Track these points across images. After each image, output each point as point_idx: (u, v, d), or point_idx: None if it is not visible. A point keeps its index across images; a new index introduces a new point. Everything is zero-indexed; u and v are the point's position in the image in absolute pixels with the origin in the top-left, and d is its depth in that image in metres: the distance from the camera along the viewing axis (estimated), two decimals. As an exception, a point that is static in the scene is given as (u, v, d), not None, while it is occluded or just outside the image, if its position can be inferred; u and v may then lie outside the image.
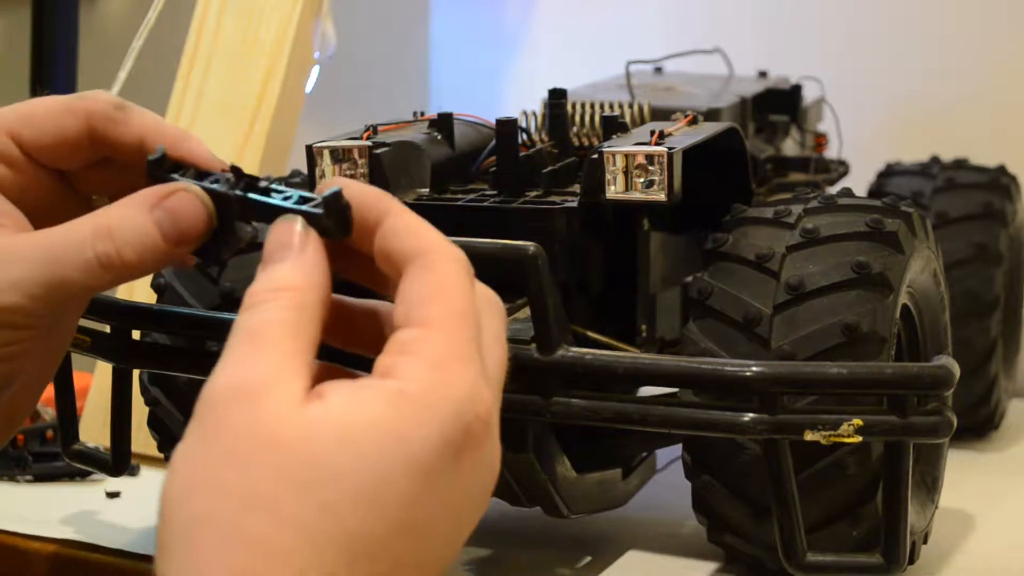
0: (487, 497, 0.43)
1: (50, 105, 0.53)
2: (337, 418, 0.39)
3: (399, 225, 0.45)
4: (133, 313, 0.74)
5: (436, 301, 0.43)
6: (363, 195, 0.46)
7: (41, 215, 0.53)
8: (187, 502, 0.39)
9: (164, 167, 0.50)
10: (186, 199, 0.48)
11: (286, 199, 0.47)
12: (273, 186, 0.48)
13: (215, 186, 0.49)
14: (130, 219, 0.48)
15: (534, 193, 0.81)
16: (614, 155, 0.74)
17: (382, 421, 0.39)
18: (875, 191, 1.14)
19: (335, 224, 0.45)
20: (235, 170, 0.49)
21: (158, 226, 0.48)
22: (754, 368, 0.66)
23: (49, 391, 0.69)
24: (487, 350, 0.44)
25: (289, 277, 0.43)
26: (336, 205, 0.45)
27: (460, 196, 0.81)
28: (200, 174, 0.49)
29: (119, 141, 0.52)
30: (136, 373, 0.79)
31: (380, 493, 0.39)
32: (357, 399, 0.40)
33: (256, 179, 0.49)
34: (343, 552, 0.38)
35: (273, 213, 0.46)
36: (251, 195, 0.48)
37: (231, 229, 0.49)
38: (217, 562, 0.37)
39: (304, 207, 0.46)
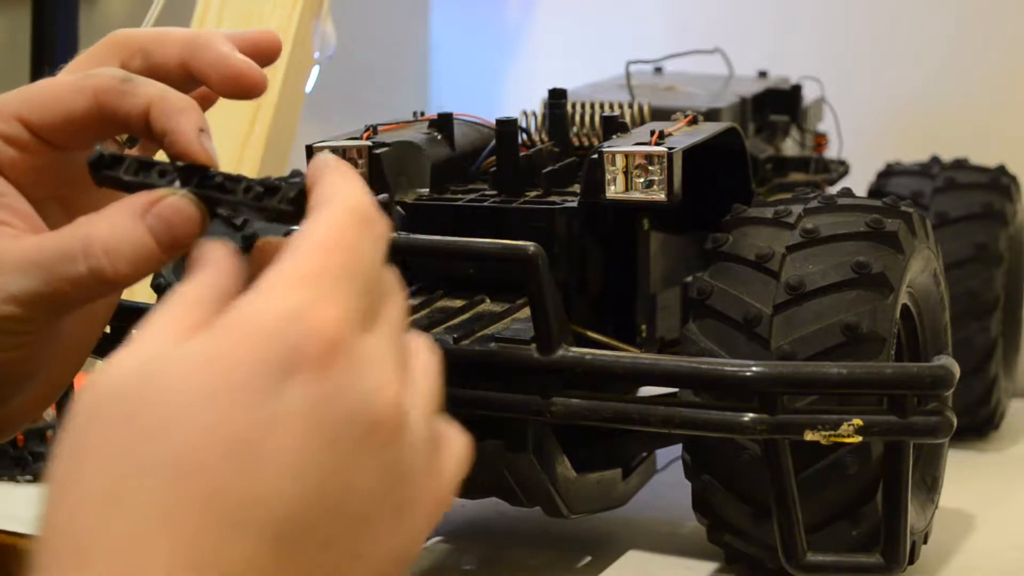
0: (373, 439, 0.37)
1: (57, 86, 0.53)
2: (148, 362, 0.37)
3: (318, 198, 0.43)
4: (133, 313, 0.74)
5: (296, 244, 0.39)
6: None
7: (65, 197, 0.54)
8: None
9: (104, 164, 0.49)
10: (178, 204, 0.48)
11: (246, 191, 0.47)
12: (227, 176, 0.47)
13: (172, 183, 0.48)
14: (122, 230, 0.48)
15: (534, 193, 0.81)
16: (614, 155, 0.74)
17: (191, 351, 0.37)
18: (875, 191, 1.14)
19: (299, 215, 0.45)
20: (182, 166, 0.49)
21: (152, 234, 0.48)
22: (754, 368, 0.66)
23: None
24: (382, 303, 0.40)
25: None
26: (302, 199, 0.45)
27: (460, 196, 0.81)
28: (143, 164, 0.49)
29: (128, 112, 0.52)
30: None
31: (187, 419, 0.36)
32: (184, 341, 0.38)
33: (206, 169, 0.48)
34: (147, 474, 0.35)
35: (244, 208, 0.47)
36: (226, 195, 0.48)
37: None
38: None
39: (274, 204, 0.46)
